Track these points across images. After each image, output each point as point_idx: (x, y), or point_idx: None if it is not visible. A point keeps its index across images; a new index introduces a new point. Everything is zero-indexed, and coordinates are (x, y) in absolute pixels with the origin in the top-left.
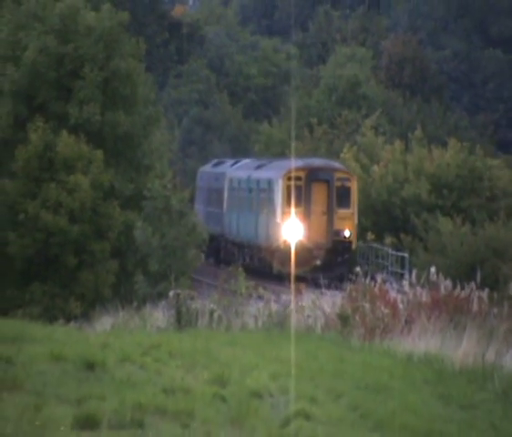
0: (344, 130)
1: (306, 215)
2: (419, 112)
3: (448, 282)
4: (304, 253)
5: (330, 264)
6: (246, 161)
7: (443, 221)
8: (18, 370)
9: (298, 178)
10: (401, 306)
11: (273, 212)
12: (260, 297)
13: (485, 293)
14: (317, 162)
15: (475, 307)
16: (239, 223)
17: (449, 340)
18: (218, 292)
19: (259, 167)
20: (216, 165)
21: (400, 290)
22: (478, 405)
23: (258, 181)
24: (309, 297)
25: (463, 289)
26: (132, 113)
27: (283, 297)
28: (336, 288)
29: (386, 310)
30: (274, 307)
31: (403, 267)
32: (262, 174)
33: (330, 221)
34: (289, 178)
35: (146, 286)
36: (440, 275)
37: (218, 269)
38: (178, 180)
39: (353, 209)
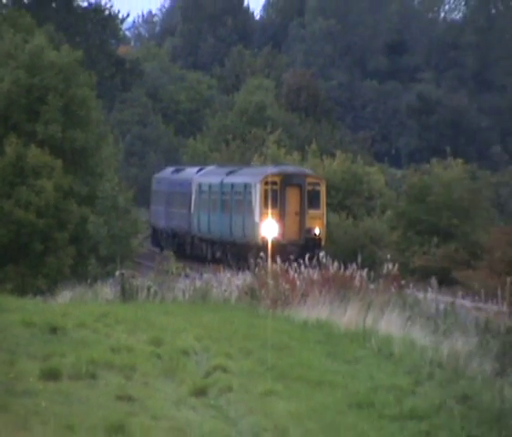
0: (253, 144)
1: (281, 215)
2: (312, 130)
3: (335, 264)
4: (280, 248)
5: (302, 258)
6: (210, 168)
7: (331, 216)
8: None
9: (274, 183)
10: (298, 283)
11: (251, 212)
12: (186, 275)
13: (364, 273)
14: (290, 169)
15: (356, 283)
16: (210, 222)
17: (336, 310)
18: (154, 272)
19: (230, 173)
20: (176, 172)
21: (297, 271)
22: (359, 360)
23: (232, 185)
24: (225, 275)
25: (346, 269)
26: (86, 131)
27: (205, 275)
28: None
29: (287, 286)
30: (198, 283)
31: None
32: (237, 179)
33: (302, 221)
34: (266, 183)
35: (97, 267)
36: (328, 258)
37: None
38: (123, 184)
39: (323, 210)
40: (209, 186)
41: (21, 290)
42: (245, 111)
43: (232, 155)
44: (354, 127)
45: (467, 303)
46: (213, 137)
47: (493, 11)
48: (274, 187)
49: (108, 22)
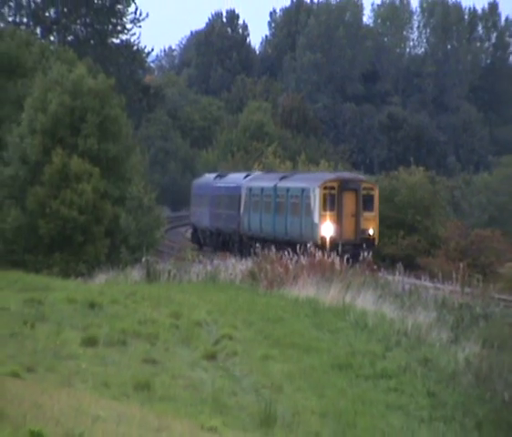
0: (254, 155)
1: (339, 217)
2: (302, 143)
3: (320, 253)
4: (337, 247)
5: (357, 256)
6: (257, 174)
7: None
8: (46, 309)
9: (332, 188)
10: (290, 267)
11: (310, 214)
12: (200, 261)
13: (344, 259)
14: (347, 175)
15: (338, 268)
16: (261, 222)
17: (321, 289)
18: (174, 259)
19: (283, 179)
20: (219, 177)
21: (290, 258)
22: (340, 330)
23: (287, 189)
24: (231, 262)
25: (329, 256)
26: (118, 144)
27: (214, 261)
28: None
29: (281, 270)
30: (209, 268)
31: None
32: (292, 184)
33: (357, 222)
34: (325, 188)
35: (127, 254)
36: (315, 248)
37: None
38: (148, 187)
39: (376, 212)
40: (262, 189)
41: (65, 274)
42: (247, 128)
43: (236, 164)
44: (336, 141)
45: (428, 284)
46: (221, 149)
47: (448, 47)
48: (332, 191)
49: (136, 56)
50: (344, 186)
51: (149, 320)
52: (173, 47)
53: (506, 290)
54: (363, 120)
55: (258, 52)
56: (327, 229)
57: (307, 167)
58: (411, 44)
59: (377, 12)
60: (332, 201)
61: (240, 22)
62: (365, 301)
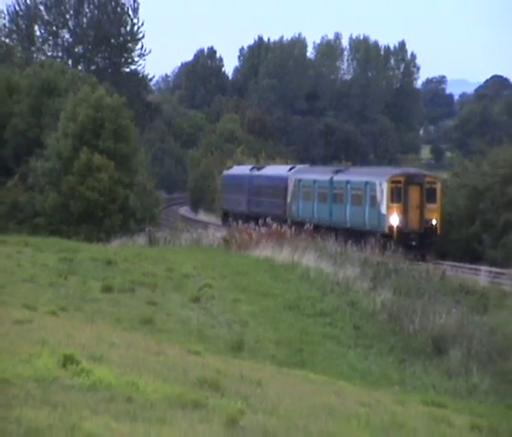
0: (227, 154)
1: (405, 208)
2: (262, 145)
3: (276, 224)
4: (403, 236)
5: (422, 244)
6: (301, 167)
7: None
8: (75, 265)
9: (399, 182)
10: (254, 235)
11: (376, 206)
12: (188, 231)
13: (293, 229)
14: (412, 170)
15: (288, 235)
16: (314, 210)
17: (276, 251)
18: (169, 229)
19: (338, 172)
20: (256, 169)
21: (253, 228)
22: (290, 281)
23: (347, 182)
24: (211, 231)
25: (281, 227)
26: (128, 145)
27: (198, 231)
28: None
29: (247, 237)
30: (194, 235)
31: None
32: (352, 177)
33: (422, 213)
34: (393, 182)
35: (134, 226)
36: (271, 221)
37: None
38: (150, 176)
39: (439, 204)
40: (314, 182)
41: (89, 240)
42: (222, 134)
43: (214, 160)
44: (287, 143)
45: (354, 248)
46: (203, 149)
47: (369, 74)
48: (399, 185)
49: (141, 81)
50: (410, 180)
51: (151, 273)
52: (168, 74)
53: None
54: (307, 128)
55: (230, 78)
56: (394, 220)
57: (267, 162)
58: (342, 72)
59: (317, 48)
60: (398, 194)
61: (218, 56)
62: (308, 260)
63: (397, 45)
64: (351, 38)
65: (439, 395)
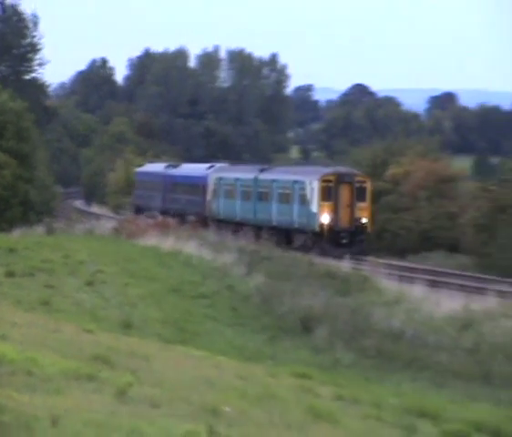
0: (118, 153)
1: (336, 207)
2: (149, 145)
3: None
4: (334, 234)
5: (352, 242)
6: (222, 166)
7: None
8: None
9: (329, 181)
10: (142, 225)
11: (308, 205)
12: (82, 222)
13: (176, 220)
14: (343, 169)
15: (172, 225)
16: (236, 208)
17: (162, 239)
18: (66, 220)
19: (263, 171)
20: (172, 167)
21: (142, 219)
22: (174, 267)
23: (273, 181)
24: (103, 222)
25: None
26: (29, 144)
27: (92, 222)
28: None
29: (134, 227)
30: (88, 226)
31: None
32: (279, 176)
33: (352, 212)
34: (324, 181)
35: (34, 217)
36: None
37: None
38: (48, 172)
39: (369, 203)
40: (237, 180)
41: None
42: (114, 135)
43: (106, 158)
44: (172, 143)
45: (232, 237)
46: (96, 148)
47: (245, 82)
48: (330, 184)
49: (41, 87)
50: (341, 179)
51: (49, 259)
52: (65, 81)
53: None
54: (189, 130)
55: (121, 85)
56: (325, 218)
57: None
58: (220, 80)
59: (198, 59)
60: (329, 193)
61: (109, 65)
62: (191, 248)
63: (270, 56)
64: (228, 50)
65: (307, 369)
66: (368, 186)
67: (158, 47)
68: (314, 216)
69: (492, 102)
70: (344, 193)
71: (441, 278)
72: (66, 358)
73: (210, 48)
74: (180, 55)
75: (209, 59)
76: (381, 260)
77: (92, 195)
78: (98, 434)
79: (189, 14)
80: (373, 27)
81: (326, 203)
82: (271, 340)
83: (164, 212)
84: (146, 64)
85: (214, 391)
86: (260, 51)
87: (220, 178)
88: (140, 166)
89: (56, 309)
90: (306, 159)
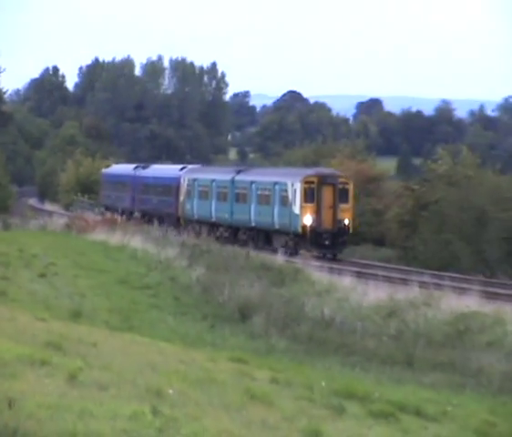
0: (69, 154)
1: (318, 208)
2: (99, 146)
3: (108, 212)
4: (317, 236)
5: (335, 243)
6: (195, 167)
7: None
8: None
9: (312, 182)
10: (91, 222)
11: (290, 206)
12: (36, 218)
13: (124, 217)
14: (325, 171)
15: (121, 223)
16: (212, 209)
17: (110, 235)
18: (21, 216)
19: (240, 172)
20: (142, 168)
21: (91, 216)
22: (121, 260)
23: (251, 182)
24: (56, 218)
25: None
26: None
27: (45, 218)
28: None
29: (84, 223)
30: (41, 222)
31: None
32: (260, 178)
33: (335, 213)
34: (306, 182)
35: None
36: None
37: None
38: (3, 173)
39: (351, 204)
40: (212, 181)
41: None
42: (65, 138)
43: (57, 159)
44: (119, 145)
45: (174, 233)
46: (49, 151)
47: (186, 89)
48: (312, 185)
49: None
50: (323, 180)
51: (5, 253)
52: (20, 88)
53: None
54: (135, 133)
55: (71, 91)
56: (308, 219)
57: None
58: (164, 87)
59: (144, 67)
60: (311, 194)
61: (60, 73)
62: (136, 242)
63: (210, 65)
64: (171, 59)
65: (244, 354)
66: (350, 187)
67: (106, 56)
68: (297, 217)
69: (415, 108)
70: (327, 194)
71: (368, 270)
72: (21, 344)
73: (155, 57)
74: (127, 64)
75: (153, 68)
76: (311, 253)
77: (45, 193)
78: (51, 415)
79: (135, 23)
80: (302, 36)
81: (309, 204)
82: (211, 328)
83: (133, 213)
84: (95, 71)
85: (158, 375)
86: (200, 60)
87: (195, 179)
88: (107, 167)
89: (12, 299)
90: (243, 161)
